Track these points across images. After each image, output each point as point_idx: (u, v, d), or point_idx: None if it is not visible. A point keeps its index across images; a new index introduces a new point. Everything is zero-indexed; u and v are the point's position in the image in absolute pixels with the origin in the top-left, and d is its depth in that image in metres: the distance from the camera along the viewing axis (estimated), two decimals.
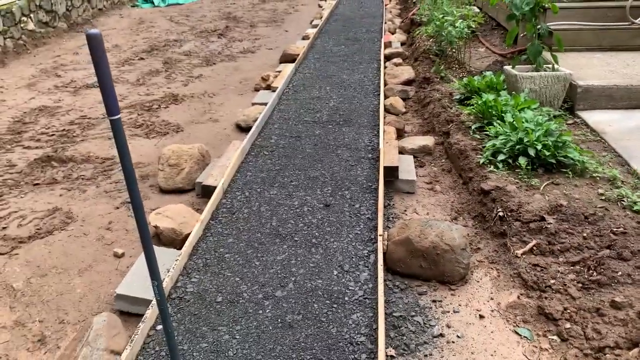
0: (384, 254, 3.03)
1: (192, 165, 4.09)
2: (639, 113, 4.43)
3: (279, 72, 6.68)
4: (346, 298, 2.73)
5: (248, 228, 3.38)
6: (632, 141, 3.93)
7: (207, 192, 3.79)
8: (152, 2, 13.55)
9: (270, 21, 10.94)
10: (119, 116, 1.76)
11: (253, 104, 5.76)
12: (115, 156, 4.51)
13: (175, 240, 3.25)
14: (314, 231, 3.32)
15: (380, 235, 3.12)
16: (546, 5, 4.61)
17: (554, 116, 4.43)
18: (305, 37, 8.70)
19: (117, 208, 3.83)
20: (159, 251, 3.00)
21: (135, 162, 4.52)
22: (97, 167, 4.47)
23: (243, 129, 5.18)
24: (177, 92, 6.43)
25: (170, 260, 2.98)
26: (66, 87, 6.74)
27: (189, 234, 3.23)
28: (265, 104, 5.48)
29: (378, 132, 4.78)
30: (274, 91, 5.96)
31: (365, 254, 3.08)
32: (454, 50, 6.42)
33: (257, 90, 6.40)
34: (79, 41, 9.36)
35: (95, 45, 1.65)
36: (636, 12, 5.55)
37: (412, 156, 4.35)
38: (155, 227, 3.28)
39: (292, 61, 7.16)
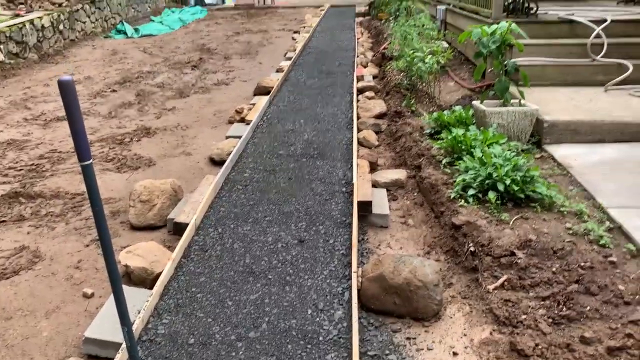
0: (358, 290, 3.03)
1: (164, 201, 4.05)
2: (602, 147, 4.58)
3: (253, 104, 6.72)
4: (320, 338, 2.71)
5: (221, 266, 3.35)
6: (597, 175, 4.06)
7: (179, 229, 3.76)
8: (125, 33, 13.57)
9: (244, 53, 11.05)
10: (90, 161, 1.76)
11: (227, 137, 5.77)
12: (86, 191, 4.44)
13: (146, 280, 3.20)
14: (288, 268, 3.31)
15: (354, 272, 3.12)
16: (512, 43, 4.77)
17: (522, 150, 4.55)
18: (279, 70, 8.80)
19: (87, 246, 3.76)
20: (130, 291, 2.95)
21: (106, 197, 4.46)
22: (67, 203, 4.39)
23: (217, 162, 5.17)
24: (150, 124, 6.40)
25: (140, 301, 2.92)
26: (36, 119, 6.65)
27: (160, 273, 3.18)
28: (240, 137, 5.49)
29: (352, 165, 4.83)
30: (248, 124, 5.99)
31: (340, 291, 3.08)
32: (424, 84, 6.57)
33: (231, 122, 6.42)
34: (50, 72, 9.28)
35: (67, 92, 1.65)
36: (597, 49, 5.79)
37: (385, 190, 4.40)
38: (126, 266, 3.22)
39: (267, 94, 7.22)
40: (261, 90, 7.46)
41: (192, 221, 3.73)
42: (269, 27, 14.98)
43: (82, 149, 1.71)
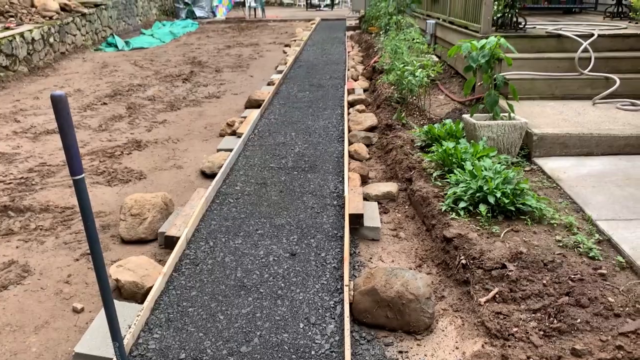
0: (350, 304, 3.03)
1: (155, 215, 4.04)
2: (591, 160, 4.64)
3: (245, 117, 6.74)
4: (312, 352, 2.70)
5: (212, 280, 3.33)
6: (586, 188, 4.10)
7: (170, 242, 3.74)
8: (116, 46, 13.58)
9: (235, 66, 11.08)
10: (82, 176, 1.75)
11: (218, 150, 5.77)
12: (76, 205, 4.41)
13: (136, 294, 3.18)
14: (280, 282, 3.30)
15: (346, 286, 3.12)
16: (501, 57, 4.83)
17: (512, 163, 4.59)
18: (270, 83, 8.83)
19: (77, 260, 3.73)
20: (120, 306, 2.92)
21: (97, 211, 4.43)
22: (57, 216, 4.36)
23: (208, 175, 5.16)
24: (141, 138, 6.39)
25: (131, 316, 2.90)
26: (25, 132, 6.61)
27: (151, 287, 3.16)
28: (231, 150, 5.49)
29: (343, 178, 4.85)
30: (239, 137, 5.99)
31: (332, 305, 3.07)
32: (414, 98, 6.63)
33: (222, 136, 6.42)
34: (40, 85, 9.25)
35: (60, 107, 1.65)
36: (585, 63, 5.87)
37: (376, 203, 4.41)
38: (116, 280, 3.20)
39: (258, 107, 7.24)
40: (252, 104, 7.48)
41: (183, 235, 3.72)
42: (260, 41, 15.06)
43: (74, 163, 1.70)
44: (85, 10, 13.30)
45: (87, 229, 1.78)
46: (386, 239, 4.04)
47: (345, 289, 3.10)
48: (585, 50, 5.88)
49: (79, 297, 3.32)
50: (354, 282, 3.18)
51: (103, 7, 14.47)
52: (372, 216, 4.10)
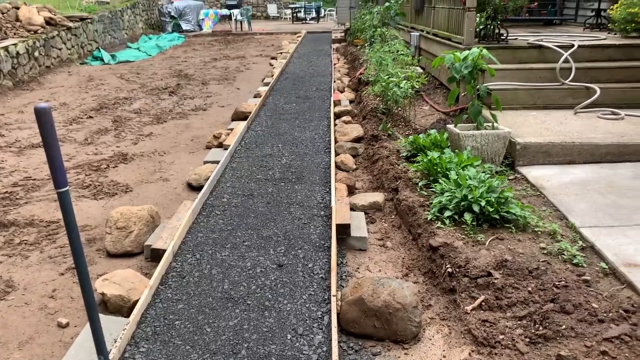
0: (338, 314, 3.03)
1: (141, 228, 4.02)
2: (573, 168, 4.70)
3: (231, 129, 6.74)
4: None
5: (199, 292, 3.32)
6: (569, 196, 4.16)
7: (156, 255, 3.72)
8: (102, 60, 13.55)
9: (222, 79, 11.10)
10: (66, 188, 1.75)
11: (205, 162, 5.77)
12: (61, 219, 4.38)
13: (122, 308, 3.15)
14: (267, 293, 3.29)
15: (333, 296, 3.13)
16: (484, 68, 4.90)
17: (496, 172, 4.65)
18: (257, 95, 8.86)
19: (62, 274, 3.69)
20: (106, 320, 2.90)
21: (82, 224, 4.40)
22: (42, 231, 4.32)
23: (194, 188, 5.15)
24: (127, 151, 6.37)
25: (117, 330, 2.88)
26: (10, 147, 6.56)
27: (137, 300, 3.14)
28: (217, 162, 5.49)
29: (330, 189, 4.86)
30: (226, 149, 6.00)
31: (319, 316, 3.07)
32: (399, 109, 6.69)
33: (208, 148, 6.42)
34: (25, 99, 9.19)
35: (44, 120, 1.65)
36: (566, 73, 5.97)
37: (363, 213, 4.43)
38: (102, 294, 3.18)
39: (244, 119, 7.26)
40: (239, 116, 7.49)
41: (169, 247, 3.70)
42: (247, 53, 15.11)
43: (58, 175, 1.70)
44: (71, 24, 13.28)
45: (72, 242, 1.77)
46: (373, 248, 4.06)
47: (333, 299, 3.10)
48: (566, 61, 5.99)
49: (64, 311, 3.28)
50: (341, 292, 3.18)
51: (89, 20, 14.45)
52: (359, 226, 4.12)
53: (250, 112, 7.41)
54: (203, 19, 22.96)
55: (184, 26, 21.73)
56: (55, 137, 1.68)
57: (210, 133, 6.80)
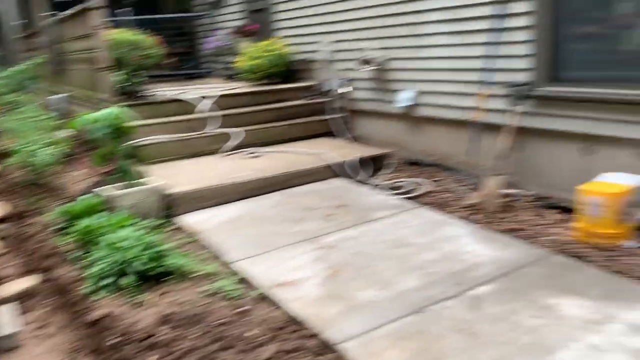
0: None
1: None
2: (226, 208, 5.08)
3: None
4: None
5: None
6: (222, 235, 4.46)
7: None
8: None
9: None
10: None
11: None
12: None
13: None
14: None
15: None
16: (122, 126, 4.89)
17: (156, 226, 4.67)
18: None
19: None
20: None
21: None
22: None
23: None
24: None
25: None
26: None
27: None
28: None
29: None
30: None
31: None
32: (48, 178, 6.15)
33: None
34: None
35: None
36: (212, 120, 6.47)
37: (13, 304, 3.87)
38: None
39: None
40: None
41: None
42: None
43: None
44: None
45: None
46: (31, 341, 3.57)
47: None
48: (212, 110, 6.51)
49: None
50: None
51: None
52: (6, 322, 3.57)
53: None
54: None
55: None
56: None
57: None
